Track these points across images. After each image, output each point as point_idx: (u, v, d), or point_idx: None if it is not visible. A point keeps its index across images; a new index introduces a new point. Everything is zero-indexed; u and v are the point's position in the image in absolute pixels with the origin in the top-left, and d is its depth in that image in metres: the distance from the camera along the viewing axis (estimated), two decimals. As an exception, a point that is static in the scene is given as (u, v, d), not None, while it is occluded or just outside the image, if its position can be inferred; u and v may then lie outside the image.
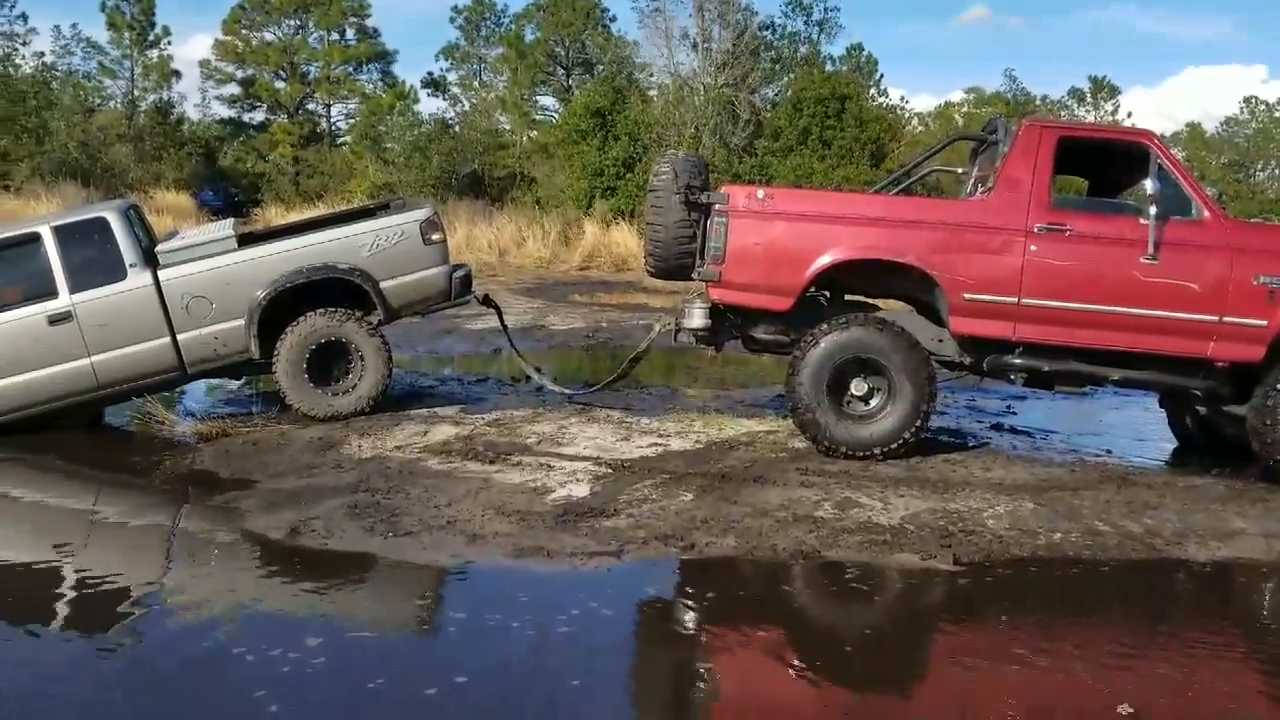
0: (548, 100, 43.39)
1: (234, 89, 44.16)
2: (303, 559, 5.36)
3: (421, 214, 7.99)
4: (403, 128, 34.94)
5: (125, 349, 7.45)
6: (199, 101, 43.56)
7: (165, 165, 35.96)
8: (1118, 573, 5.25)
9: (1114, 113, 64.20)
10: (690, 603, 4.91)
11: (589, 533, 5.57)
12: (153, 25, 39.34)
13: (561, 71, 43.21)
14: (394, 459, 6.92)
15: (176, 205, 29.85)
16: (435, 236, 7.90)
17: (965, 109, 59.89)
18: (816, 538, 5.49)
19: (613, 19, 42.67)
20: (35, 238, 7.40)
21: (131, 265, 7.45)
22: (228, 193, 36.54)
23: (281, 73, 44.10)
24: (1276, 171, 71.94)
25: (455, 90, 45.44)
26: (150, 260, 7.60)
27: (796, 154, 28.37)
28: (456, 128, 37.22)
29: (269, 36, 44.09)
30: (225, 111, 44.26)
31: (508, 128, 40.23)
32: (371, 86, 44.46)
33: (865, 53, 46.08)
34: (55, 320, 7.31)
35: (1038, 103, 62.28)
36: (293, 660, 4.10)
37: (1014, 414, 9.14)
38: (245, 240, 8.09)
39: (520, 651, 4.25)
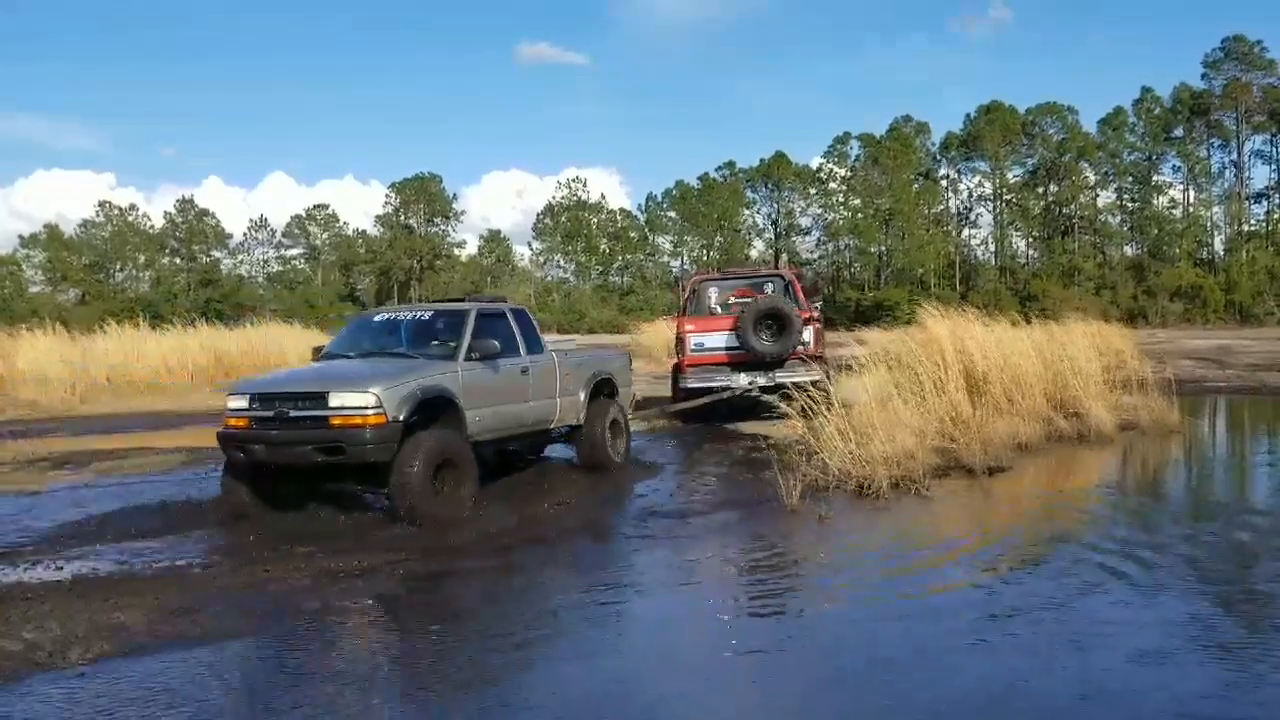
0: None
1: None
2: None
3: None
4: None
5: (541, 401, 10.27)
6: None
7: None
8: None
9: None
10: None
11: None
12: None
13: None
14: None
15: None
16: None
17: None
18: None
19: None
20: (502, 314, 10.25)
21: (544, 346, 10.57)
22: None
23: None
24: (134, 271, 76.37)
25: None
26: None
27: None
28: None
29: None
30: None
31: None
32: None
33: None
34: (524, 371, 10.02)
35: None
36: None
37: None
38: None
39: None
